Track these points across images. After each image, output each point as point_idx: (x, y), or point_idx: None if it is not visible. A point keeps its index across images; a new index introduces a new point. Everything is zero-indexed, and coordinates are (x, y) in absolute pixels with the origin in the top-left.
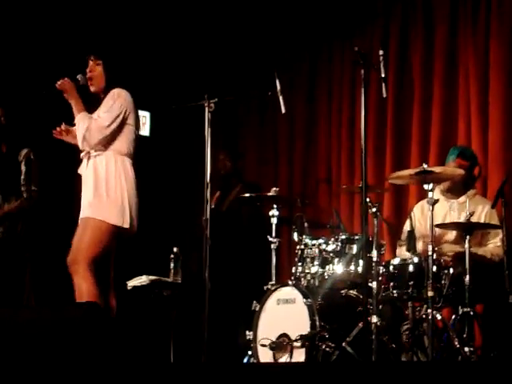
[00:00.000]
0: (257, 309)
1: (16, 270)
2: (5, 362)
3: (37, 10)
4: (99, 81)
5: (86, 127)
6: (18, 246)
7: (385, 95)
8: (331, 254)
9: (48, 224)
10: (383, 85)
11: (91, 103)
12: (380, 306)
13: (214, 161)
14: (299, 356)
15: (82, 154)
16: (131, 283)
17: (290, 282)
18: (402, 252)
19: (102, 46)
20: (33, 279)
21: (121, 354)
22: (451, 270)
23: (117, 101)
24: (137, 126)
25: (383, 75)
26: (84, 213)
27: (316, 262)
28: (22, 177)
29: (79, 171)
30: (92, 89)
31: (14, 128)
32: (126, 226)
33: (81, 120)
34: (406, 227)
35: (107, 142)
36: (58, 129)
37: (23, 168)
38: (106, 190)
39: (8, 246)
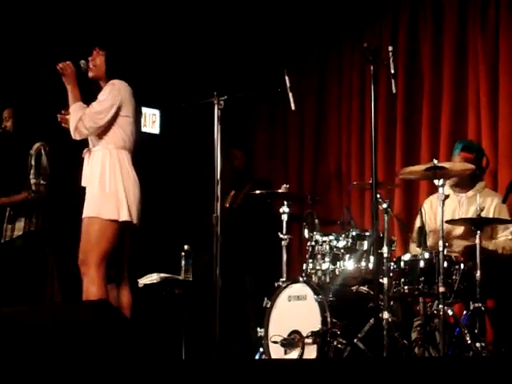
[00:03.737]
0: (268, 306)
1: (37, 266)
2: (14, 361)
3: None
4: (99, 69)
5: (78, 117)
6: (38, 241)
7: (394, 91)
8: (342, 251)
9: (70, 218)
10: (393, 81)
11: (90, 91)
12: (391, 302)
13: (226, 158)
14: (311, 353)
15: (83, 152)
16: (142, 281)
17: (300, 279)
18: (414, 248)
19: (106, 39)
20: (52, 275)
21: (132, 352)
22: (462, 266)
23: (112, 92)
24: (137, 118)
25: (393, 71)
26: (84, 212)
27: (327, 259)
28: (32, 170)
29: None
30: (90, 75)
31: (27, 124)
32: (124, 218)
33: (74, 110)
34: (417, 223)
35: (101, 133)
36: (60, 115)
37: (33, 162)
38: (100, 186)
39: (29, 242)
